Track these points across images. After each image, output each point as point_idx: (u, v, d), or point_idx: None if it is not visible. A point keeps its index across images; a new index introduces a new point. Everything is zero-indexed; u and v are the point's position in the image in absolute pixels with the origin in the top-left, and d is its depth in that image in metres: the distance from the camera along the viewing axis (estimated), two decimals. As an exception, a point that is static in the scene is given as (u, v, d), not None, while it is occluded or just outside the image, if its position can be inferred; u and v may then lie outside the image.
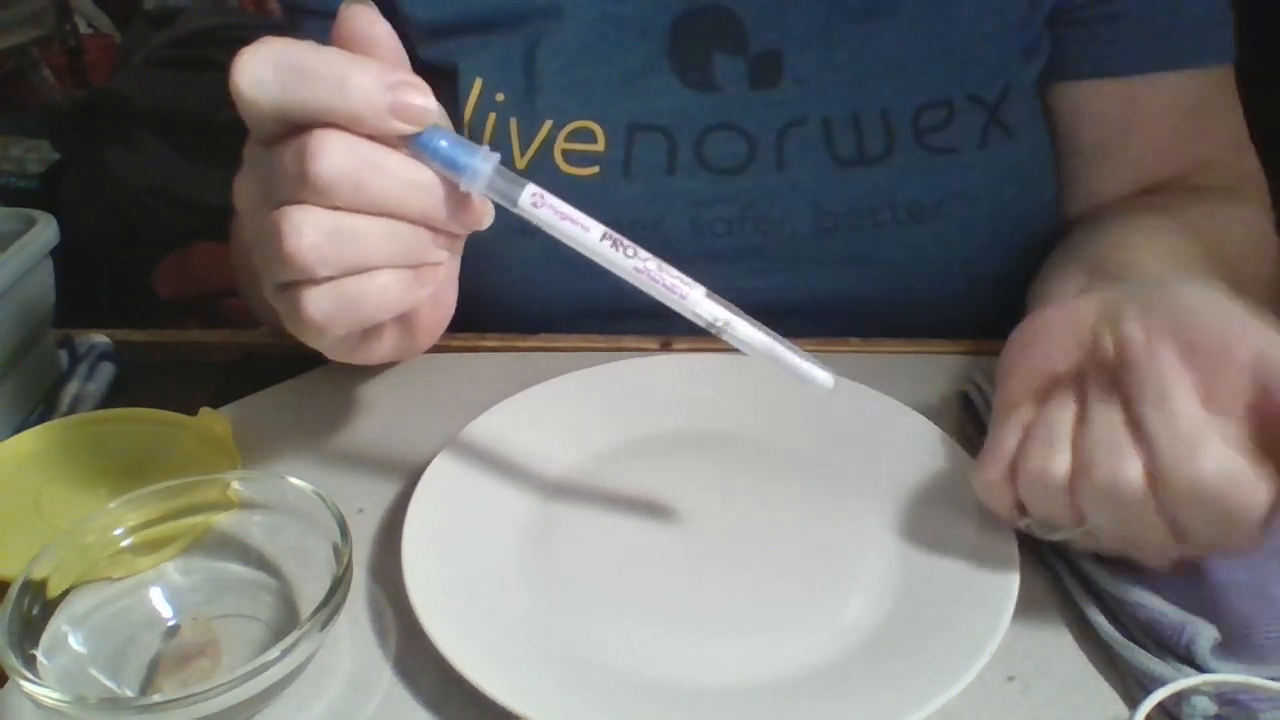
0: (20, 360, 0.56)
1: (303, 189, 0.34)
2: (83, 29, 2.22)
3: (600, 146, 0.59)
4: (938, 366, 0.58)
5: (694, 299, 0.37)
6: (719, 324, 0.37)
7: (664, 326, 0.60)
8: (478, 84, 0.59)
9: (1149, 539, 0.37)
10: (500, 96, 0.59)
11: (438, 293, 0.41)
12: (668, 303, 0.38)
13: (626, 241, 0.37)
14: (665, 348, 0.61)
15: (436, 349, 0.61)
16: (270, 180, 0.35)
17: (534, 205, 0.36)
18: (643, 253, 0.37)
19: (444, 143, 0.35)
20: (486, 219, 0.37)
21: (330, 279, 0.35)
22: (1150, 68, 0.59)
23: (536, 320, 0.63)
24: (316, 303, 0.35)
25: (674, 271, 0.37)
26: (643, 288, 0.37)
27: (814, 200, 0.59)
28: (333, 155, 0.33)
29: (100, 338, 0.62)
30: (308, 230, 0.34)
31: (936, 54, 0.58)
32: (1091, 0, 0.58)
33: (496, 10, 0.59)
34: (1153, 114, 0.60)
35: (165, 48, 1.48)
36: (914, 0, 0.58)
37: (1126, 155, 0.61)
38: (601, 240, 0.37)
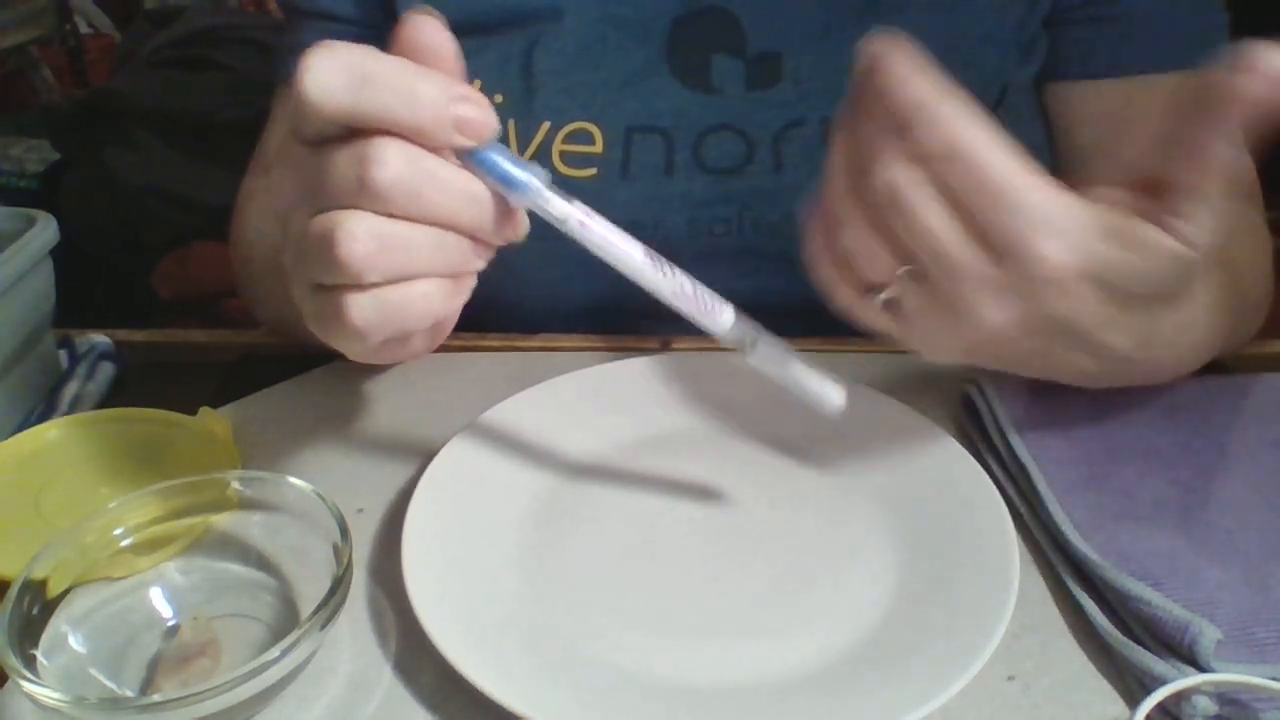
0: (20, 360, 0.56)
1: (359, 195, 0.34)
2: (83, 29, 2.22)
3: (598, 148, 0.59)
4: (938, 366, 0.57)
5: (726, 318, 0.39)
6: (749, 342, 0.39)
7: (664, 327, 0.60)
8: (475, 86, 0.59)
9: (958, 260, 0.36)
10: (499, 98, 0.59)
11: None
12: (700, 322, 0.39)
13: (665, 262, 0.38)
14: (665, 348, 0.61)
15: (437, 349, 0.61)
16: (320, 183, 0.35)
17: (581, 225, 0.37)
18: (679, 272, 0.38)
19: (499, 157, 0.35)
20: (524, 230, 0.38)
21: (375, 285, 0.35)
22: (1147, 68, 0.59)
23: (536, 320, 0.63)
24: (360, 309, 0.35)
25: (708, 291, 0.39)
26: (678, 306, 0.39)
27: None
28: (393, 164, 0.33)
29: (100, 338, 0.62)
30: (362, 236, 0.34)
31: (935, 55, 0.58)
32: (1088, 0, 0.58)
33: (496, 12, 0.59)
34: (1150, 115, 0.60)
35: (165, 48, 1.48)
36: (913, 2, 0.57)
37: (1124, 156, 0.61)
38: (643, 261, 0.38)
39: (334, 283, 0.35)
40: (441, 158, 0.35)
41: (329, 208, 0.35)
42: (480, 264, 0.38)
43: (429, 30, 0.35)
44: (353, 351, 0.39)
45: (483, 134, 0.35)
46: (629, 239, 0.38)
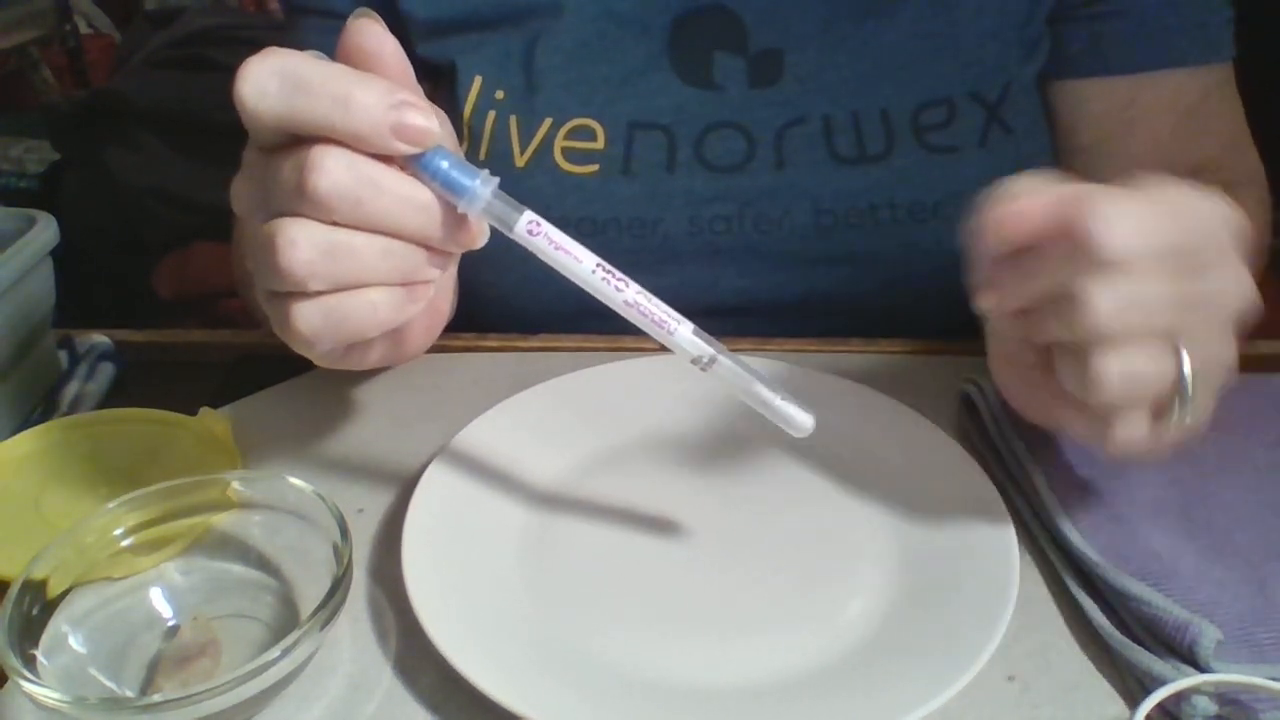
0: (20, 360, 0.56)
1: (300, 202, 0.34)
2: (83, 29, 2.22)
3: (600, 144, 0.59)
4: (938, 366, 0.58)
5: (681, 334, 0.38)
6: (704, 360, 0.38)
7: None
8: (477, 82, 0.59)
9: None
10: (500, 94, 0.59)
11: (430, 306, 0.41)
12: (655, 336, 0.38)
13: (618, 274, 0.37)
14: (665, 348, 0.60)
15: (436, 349, 0.61)
16: (268, 189, 0.35)
17: (529, 233, 0.36)
18: (633, 286, 0.37)
19: (444, 164, 0.35)
20: (482, 239, 0.37)
21: (321, 294, 0.35)
22: (1151, 65, 0.59)
23: (536, 320, 0.63)
24: (305, 317, 0.35)
25: (663, 306, 0.38)
26: (632, 320, 0.38)
27: (813, 199, 0.59)
28: (332, 171, 0.33)
29: (100, 338, 0.62)
30: (302, 244, 0.34)
31: (937, 52, 0.58)
32: None
33: (496, 8, 0.59)
34: (1153, 113, 0.60)
35: (165, 48, 1.47)
36: None
37: (1127, 154, 0.61)
38: (593, 272, 0.37)
39: (281, 290, 0.35)
40: (389, 165, 0.34)
41: (276, 215, 0.34)
42: (435, 273, 0.37)
43: (371, 34, 0.35)
44: (312, 357, 0.39)
45: (424, 140, 0.34)
46: (582, 249, 0.37)
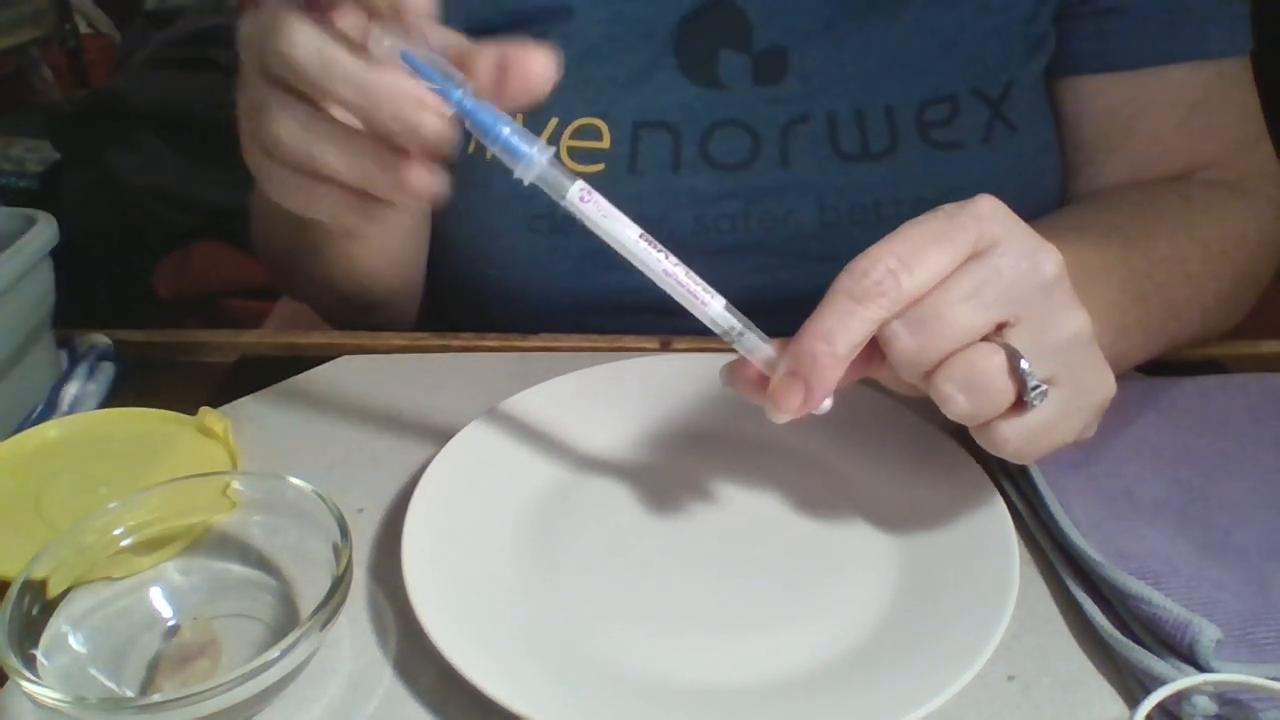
0: (20, 360, 0.56)
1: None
2: (83, 29, 2.22)
3: (605, 144, 0.59)
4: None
5: (713, 308, 0.40)
6: (733, 333, 0.40)
7: (664, 326, 0.60)
8: None
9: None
10: None
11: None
12: (688, 307, 0.40)
13: (658, 245, 0.39)
14: (665, 348, 0.61)
15: (436, 349, 0.61)
16: None
17: (581, 200, 0.39)
18: (671, 258, 0.40)
19: (505, 130, 0.38)
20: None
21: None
22: (1155, 61, 0.59)
23: (537, 318, 0.63)
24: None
25: (697, 279, 0.40)
26: (667, 289, 0.40)
27: (818, 196, 0.59)
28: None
29: (100, 338, 0.62)
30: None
31: (941, 50, 0.58)
32: None
33: (507, 16, 0.59)
34: (1157, 108, 0.60)
35: (165, 48, 1.48)
36: None
37: (1130, 150, 0.61)
38: (636, 241, 0.39)
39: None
40: (442, 114, 0.36)
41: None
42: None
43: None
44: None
45: None
46: (626, 219, 0.39)
